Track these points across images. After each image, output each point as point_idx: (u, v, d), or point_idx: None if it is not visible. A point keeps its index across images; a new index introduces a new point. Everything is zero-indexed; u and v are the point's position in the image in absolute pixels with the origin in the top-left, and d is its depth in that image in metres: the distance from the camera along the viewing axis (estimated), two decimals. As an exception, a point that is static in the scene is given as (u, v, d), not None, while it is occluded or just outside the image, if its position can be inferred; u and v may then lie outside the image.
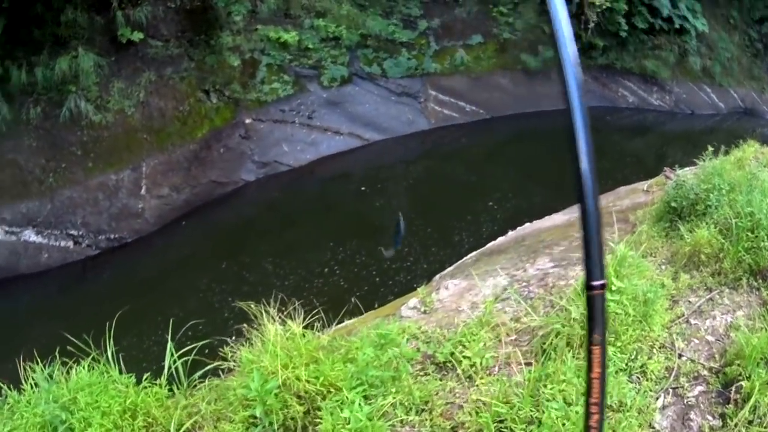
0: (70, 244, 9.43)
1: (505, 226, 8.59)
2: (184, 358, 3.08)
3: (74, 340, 2.94)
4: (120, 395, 2.43)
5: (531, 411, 2.57)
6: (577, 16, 12.90)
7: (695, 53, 16.31)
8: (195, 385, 2.95)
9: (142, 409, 2.45)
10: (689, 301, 3.61)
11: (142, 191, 10.04)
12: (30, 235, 9.19)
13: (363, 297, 7.94)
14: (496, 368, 3.28)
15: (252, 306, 3.13)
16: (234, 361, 2.91)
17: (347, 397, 2.55)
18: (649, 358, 3.00)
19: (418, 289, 5.03)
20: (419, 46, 13.19)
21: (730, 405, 2.78)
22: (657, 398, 2.83)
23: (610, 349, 2.69)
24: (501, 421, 2.58)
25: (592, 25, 12.97)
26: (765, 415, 2.67)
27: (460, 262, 7.12)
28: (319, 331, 3.53)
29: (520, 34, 13.74)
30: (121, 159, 9.93)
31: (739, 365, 2.88)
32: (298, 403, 2.58)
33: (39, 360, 2.97)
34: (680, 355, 3.09)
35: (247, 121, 11.40)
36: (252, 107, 11.43)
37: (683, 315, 3.23)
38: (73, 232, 9.43)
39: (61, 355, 3.04)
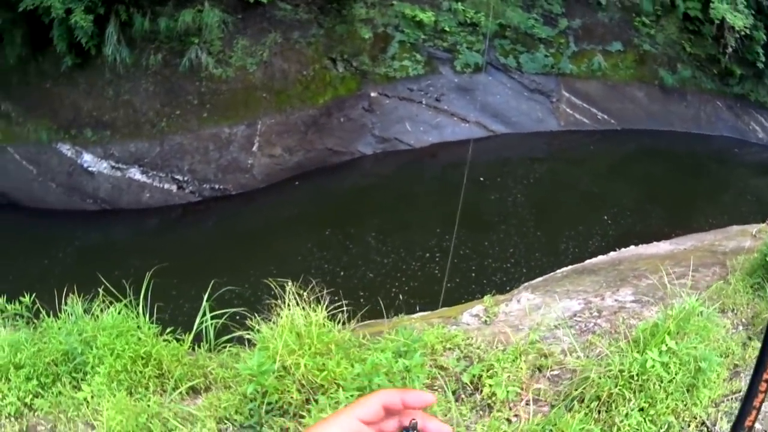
0: (174, 187, 10.03)
1: (613, 244, 8.01)
2: (218, 320, 3.23)
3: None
4: (138, 342, 2.59)
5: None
6: (716, 39, 12.15)
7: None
8: (219, 350, 3.08)
9: (155, 358, 2.60)
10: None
11: (254, 148, 10.40)
12: (135, 173, 9.89)
13: (451, 290, 7.84)
14: (522, 403, 3.04)
15: (288, 284, 3.18)
16: (259, 332, 2.99)
17: (344, 398, 2.52)
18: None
19: (484, 298, 4.81)
20: (557, 45, 12.50)
21: None
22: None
23: (639, 415, 2.35)
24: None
25: (730, 50, 11.97)
26: None
27: (549, 275, 6.74)
28: (357, 322, 3.52)
29: (660, 48, 12.73)
30: (237, 114, 10.31)
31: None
32: (298, 390, 2.59)
33: (103, 293, 3.27)
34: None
35: (373, 94, 11.52)
36: (379, 81, 11.49)
37: (740, 391, 2.74)
38: (178, 176, 10.00)
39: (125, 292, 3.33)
